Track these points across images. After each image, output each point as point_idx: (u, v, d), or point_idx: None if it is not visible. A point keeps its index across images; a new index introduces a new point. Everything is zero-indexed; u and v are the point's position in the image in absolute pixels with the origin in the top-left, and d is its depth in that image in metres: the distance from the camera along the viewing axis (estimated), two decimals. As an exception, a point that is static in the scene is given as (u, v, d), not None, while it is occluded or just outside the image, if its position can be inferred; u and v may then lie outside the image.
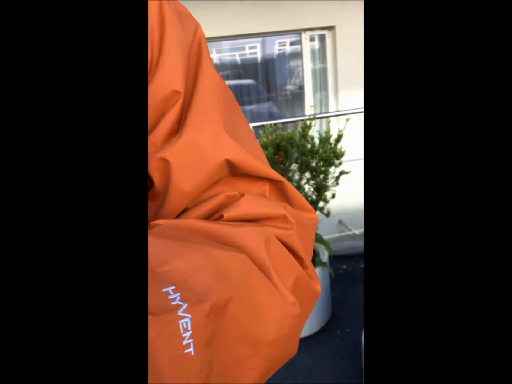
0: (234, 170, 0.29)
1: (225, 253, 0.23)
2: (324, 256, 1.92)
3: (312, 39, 3.08)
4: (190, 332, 0.19)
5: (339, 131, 1.83)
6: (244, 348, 0.23)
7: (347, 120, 1.79)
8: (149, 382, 0.18)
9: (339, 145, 1.82)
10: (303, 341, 1.86)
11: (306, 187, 1.86)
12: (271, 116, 3.49)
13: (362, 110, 2.14)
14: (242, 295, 0.23)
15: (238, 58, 3.55)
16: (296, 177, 1.81)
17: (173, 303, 0.20)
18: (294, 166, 1.76)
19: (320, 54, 3.15)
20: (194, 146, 0.27)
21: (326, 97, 3.26)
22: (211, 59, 0.32)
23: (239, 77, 3.57)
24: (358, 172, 2.56)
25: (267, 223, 0.29)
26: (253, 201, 0.29)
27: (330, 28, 2.84)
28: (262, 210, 0.29)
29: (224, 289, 0.22)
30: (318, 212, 1.92)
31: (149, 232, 0.24)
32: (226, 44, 3.26)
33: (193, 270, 0.21)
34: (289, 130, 1.73)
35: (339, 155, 1.77)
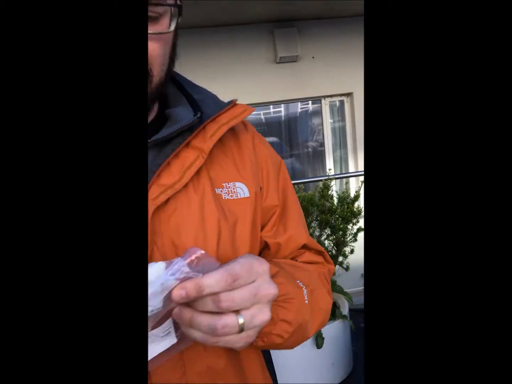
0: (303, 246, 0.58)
1: (312, 267, 0.55)
2: (345, 309, 2.01)
3: (332, 103, 3.36)
4: (306, 297, 0.46)
5: (356, 192, 2.00)
6: (318, 308, 0.50)
7: (362, 182, 1.96)
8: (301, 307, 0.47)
9: (356, 204, 1.98)
10: (325, 393, 1.91)
11: (326, 242, 2.01)
12: (294, 172, 3.71)
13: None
14: (318, 288, 0.51)
15: (262, 117, 3.85)
16: (317, 233, 1.97)
17: (302, 286, 0.47)
18: (314, 223, 1.92)
19: (340, 117, 3.41)
20: (292, 238, 0.55)
21: (346, 154, 3.47)
22: (290, 179, 0.59)
23: (264, 134, 3.82)
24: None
25: (316, 265, 0.57)
26: (310, 255, 0.58)
27: (348, 94, 3.11)
28: (313, 259, 0.58)
29: (313, 284, 0.50)
30: (337, 267, 2.05)
31: (277, 261, 0.52)
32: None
33: (302, 277, 0.49)
34: (309, 192, 1.91)
35: (356, 213, 1.92)
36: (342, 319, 1.95)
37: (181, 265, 0.32)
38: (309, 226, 1.89)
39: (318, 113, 3.57)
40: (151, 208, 0.41)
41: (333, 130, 3.49)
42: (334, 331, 1.89)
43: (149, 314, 0.32)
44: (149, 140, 0.44)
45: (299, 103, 3.77)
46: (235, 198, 0.49)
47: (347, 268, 2.05)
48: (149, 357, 0.35)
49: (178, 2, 0.43)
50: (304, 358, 1.86)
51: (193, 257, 0.32)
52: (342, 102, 3.24)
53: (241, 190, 0.49)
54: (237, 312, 0.34)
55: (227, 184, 0.49)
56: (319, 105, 3.52)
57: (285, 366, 1.90)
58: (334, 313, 1.95)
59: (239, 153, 0.52)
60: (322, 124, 3.43)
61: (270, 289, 0.36)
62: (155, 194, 0.42)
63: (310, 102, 3.64)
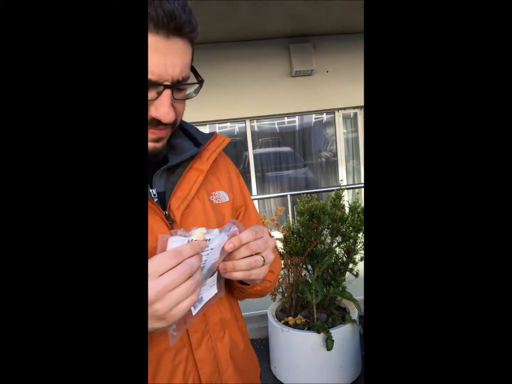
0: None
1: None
2: (354, 314, 2.10)
3: (345, 115, 3.46)
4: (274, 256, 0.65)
5: (366, 201, 2.09)
6: (278, 268, 0.77)
7: (373, 193, 2.04)
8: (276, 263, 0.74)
9: (366, 214, 2.07)
10: (334, 395, 1.98)
11: (337, 249, 2.10)
12: (307, 181, 3.80)
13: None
14: (276, 255, 0.69)
15: (277, 127, 3.96)
16: (328, 240, 2.06)
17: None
18: (326, 231, 2.02)
19: (353, 127, 3.51)
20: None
21: (359, 165, 3.56)
22: (245, 184, 0.79)
23: (278, 144, 3.91)
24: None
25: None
26: None
27: (361, 107, 3.21)
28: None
29: (275, 252, 0.65)
30: (347, 273, 2.14)
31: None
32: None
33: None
34: (322, 201, 2.01)
35: (366, 222, 2.01)
36: (352, 324, 2.03)
37: (230, 227, 0.53)
38: (320, 233, 1.99)
39: (332, 123, 3.66)
40: (178, 213, 0.59)
41: (346, 140, 3.58)
42: (343, 334, 1.98)
43: (213, 261, 0.52)
44: (164, 166, 0.61)
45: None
46: (220, 202, 0.69)
47: (356, 275, 2.13)
48: (205, 300, 0.54)
49: (200, 78, 0.60)
50: (314, 359, 1.95)
51: (236, 224, 0.54)
52: (355, 113, 3.34)
53: (224, 196, 0.70)
54: (258, 254, 0.56)
55: (215, 192, 0.69)
56: (333, 115, 3.62)
57: (295, 366, 1.99)
58: (344, 317, 2.04)
59: (218, 170, 0.72)
60: (336, 135, 3.53)
61: (272, 240, 0.59)
62: (177, 204, 0.60)
63: (324, 112, 3.75)
